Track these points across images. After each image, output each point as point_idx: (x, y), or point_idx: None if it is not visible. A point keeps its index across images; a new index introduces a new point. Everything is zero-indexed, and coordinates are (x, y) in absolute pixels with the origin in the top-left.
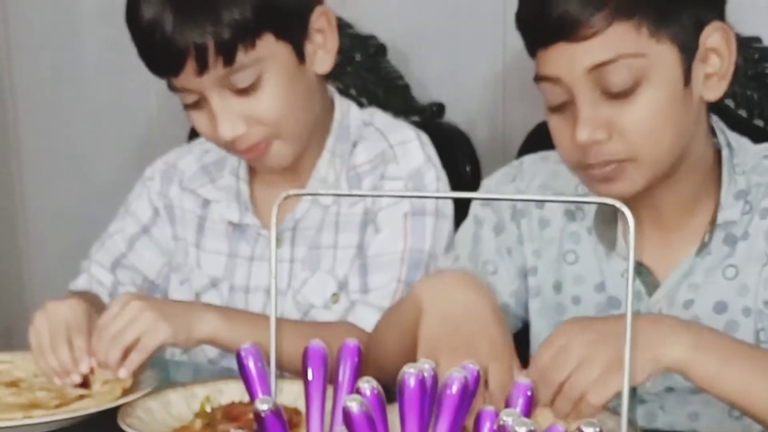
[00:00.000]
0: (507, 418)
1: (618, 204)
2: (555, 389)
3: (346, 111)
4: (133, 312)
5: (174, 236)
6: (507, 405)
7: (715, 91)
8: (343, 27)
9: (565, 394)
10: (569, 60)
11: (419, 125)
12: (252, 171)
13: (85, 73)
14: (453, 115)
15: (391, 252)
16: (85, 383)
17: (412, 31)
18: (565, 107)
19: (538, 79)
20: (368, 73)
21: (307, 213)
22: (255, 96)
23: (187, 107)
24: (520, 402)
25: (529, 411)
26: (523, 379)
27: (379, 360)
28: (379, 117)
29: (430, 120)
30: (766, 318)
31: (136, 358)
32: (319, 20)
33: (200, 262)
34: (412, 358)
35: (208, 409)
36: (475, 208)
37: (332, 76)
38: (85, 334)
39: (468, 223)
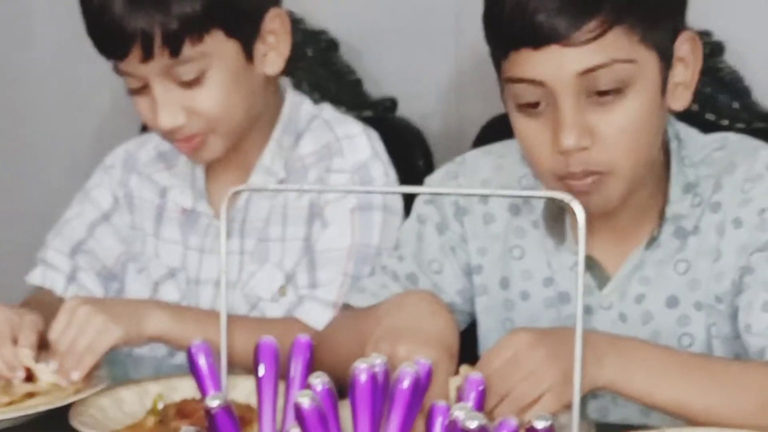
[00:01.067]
0: (459, 412)
1: (567, 198)
2: (499, 397)
3: (298, 104)
4: (82, 318)
5: (132, 225)
6: (459, 399)
7: (681, 100)
8: (295, 22)
9: (511, 402)
10: (558, 64)
11: (372, 120)
12: None
13: (37, 72)
14: (406, 111)
15: (339, 248)
16: (29, 378)
17: (365, 26)
18: (540, 112)
19: (512, 80)
20: (320, 68)
21: (254, 204)
22: (198, 90)
23: (131, 92)
24: (472, 396)
25: (481, 405)
26: (475, 374)
27: (329, 362)
28: (327, 111)
29: (383, 115)
30: (717, 313)
31: (88, 360)
32: (273, 22)
33: (158, 252)
34: None
35: (161, 407)
36: (418, 206)
37: (285, 71)
38: (8, 341)
39: (411, 222)
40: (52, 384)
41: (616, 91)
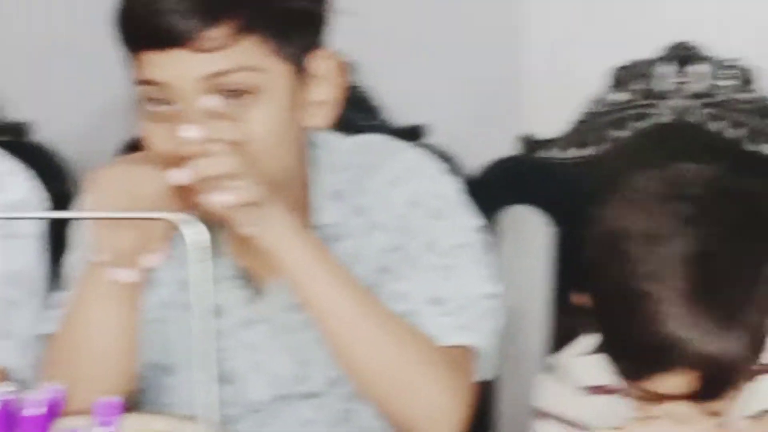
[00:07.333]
0: None
1: (178, 219)
2: None
3: None
4: None
5: None
6: None
7: (316, 118)
8: None
9: None
10: (182, 67)
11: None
12: None
13: None
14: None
15: None
16: None
17: None
18: (167, 113)
19: (140, 83)
20: None
21: None
22: None
23: None
24: None
25: None
26: None
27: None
28: None
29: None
30: None
31: None
32: None
33: None
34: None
35: None
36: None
37: None
38: None
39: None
40: None
41: (244, 97)
